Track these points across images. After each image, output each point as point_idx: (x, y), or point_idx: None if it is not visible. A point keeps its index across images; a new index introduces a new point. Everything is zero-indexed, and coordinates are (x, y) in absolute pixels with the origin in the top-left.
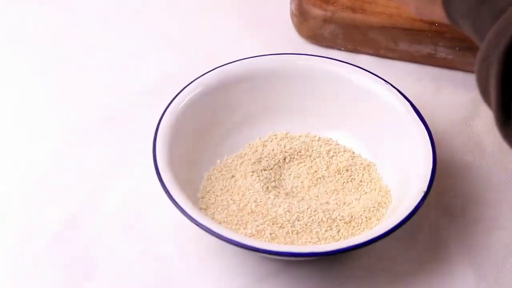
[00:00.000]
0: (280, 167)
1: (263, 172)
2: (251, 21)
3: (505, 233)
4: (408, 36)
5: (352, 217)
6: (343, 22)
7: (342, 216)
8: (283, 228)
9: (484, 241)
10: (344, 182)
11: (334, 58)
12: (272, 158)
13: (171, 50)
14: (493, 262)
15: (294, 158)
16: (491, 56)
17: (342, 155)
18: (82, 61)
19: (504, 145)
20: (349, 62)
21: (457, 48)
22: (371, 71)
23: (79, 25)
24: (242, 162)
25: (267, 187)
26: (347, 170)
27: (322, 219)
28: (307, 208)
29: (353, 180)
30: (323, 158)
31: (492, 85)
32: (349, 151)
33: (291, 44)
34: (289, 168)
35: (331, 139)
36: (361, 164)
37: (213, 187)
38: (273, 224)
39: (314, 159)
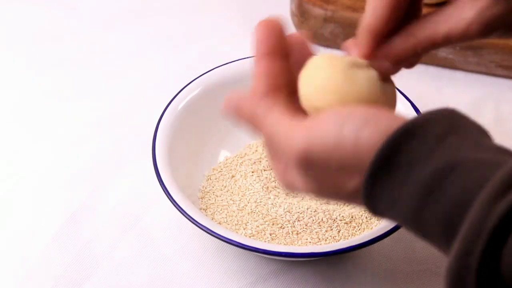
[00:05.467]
0: None
1: (263, 172)
2: (251, 21)
3: None
4: None
5: (352, 217)
6: (343, 21)
7: (343, 216)
8: (283, 228)
9: None
10: None
11: None
12: None
13: (171, 50)
14: None
15: None
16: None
17: None
18: (82, 61)
19: (504, 143)
20: None
21: (457, 48)
22: None
23: (79, 25)
24: (242, 162)
25: (267, 187)
26: None
27: (322, 219)
28: (307, 208)
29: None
30: None
31: None
32: None
33: None
34: None
35: None
36: None
37: (213, 187)
38: (273, 224)
39: None
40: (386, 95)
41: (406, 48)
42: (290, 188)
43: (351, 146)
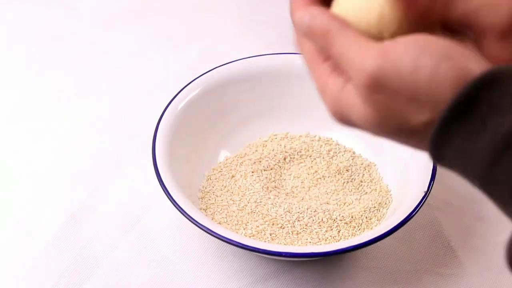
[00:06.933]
0: (280, 167)
1: (263, 172)
2: (251, 21)
3: (506, 232)
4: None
5: (352, 217)
6: None
7: (343, 216)
8: (283, 228)
9: (485, 240)
10: (344, 182)
11: None
12: (272, 158)
13: (171, 50)
14: (494, 262)
15: (294, 158)
16: None
17: (342, 155)
18: (82, 61)
19: None
20: None
21: None
22: None
23: (79, 25)
24: (242, 162)
25: (267, 187)
26: (347, 170)
27: (322, 220)
28: (307, 209)
29: (353, 180)
30: (323, 158)
31: None
32: (350, 151)
33: (291, 44)
34: (289, 168)
35: (331, 139)
36: (362, 164)
37: (213, 187)
38: (273, 224)
39: (314, 159)
40: None
41: None
42: (340, 113)
43: (427, 77)
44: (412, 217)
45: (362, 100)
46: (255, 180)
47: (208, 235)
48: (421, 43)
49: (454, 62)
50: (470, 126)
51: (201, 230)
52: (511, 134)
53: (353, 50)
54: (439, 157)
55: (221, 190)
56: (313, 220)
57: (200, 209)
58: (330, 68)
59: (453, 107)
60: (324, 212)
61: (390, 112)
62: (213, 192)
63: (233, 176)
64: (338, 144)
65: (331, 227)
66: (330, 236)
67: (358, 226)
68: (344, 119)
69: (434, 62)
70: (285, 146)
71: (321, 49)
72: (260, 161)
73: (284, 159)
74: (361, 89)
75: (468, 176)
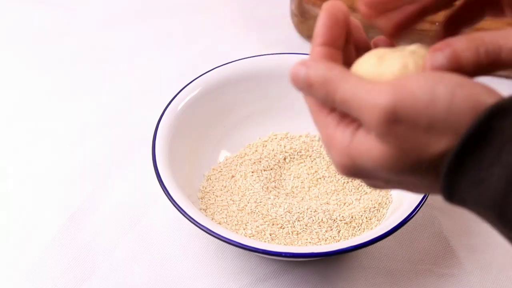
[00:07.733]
0: (280, 167)
1: (263, 172)
2: (251, 21)
3: None
4: (408, 35)
5: (352, 217)
6: None
7: (343, 216)
8: (283, 228)
9: (485, 240)
10: (344, 183)
11: None
12: (272, 158)
13: (171, 50)
14: (494, 262)
15: (294, 158)
16: None
17: None
18: (82, 61)
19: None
20: None
21: None
22: None
23: (79, 25)
24: (242, 162)
25: (267, 187)
26: None
27: (322, 220)
28: (307, 209)
29: (353, 180)
30: (323, 158)
31: None
32: None
33: (291, 44)
34: (289, 168)
35: None
36: None
37: (213, 187)
38: (273, 224)
39: (314, 159)
40: None
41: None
42: (351, 165)
43: (446, 104)
44: (412, 217)
45: (378, 139)
46: (255, 180)
47: (208, 235)
48: (432, 76)
49: (468, 90)
50: (486, 155)
51: (201, 230)
52: None
53: (362, 91)
54: (452, 190)
55: (221, 190)
56: (313, 220)
57: (200, 209)
58: (335, 121)
59: (469, 136)
60: (324, 212)
61: (409, 144)
62: (213, 192)
63: (233, 176)
64: None
65: (331, 227)
66: (330, 236)
67: (358, 226)
68: (355, 170)
69: (449, 90)
70: (285, 146)
71: (323, 101)
72: (260, 161)
73: (284, 159)
74: (378, 126)
75: (482, 206)
